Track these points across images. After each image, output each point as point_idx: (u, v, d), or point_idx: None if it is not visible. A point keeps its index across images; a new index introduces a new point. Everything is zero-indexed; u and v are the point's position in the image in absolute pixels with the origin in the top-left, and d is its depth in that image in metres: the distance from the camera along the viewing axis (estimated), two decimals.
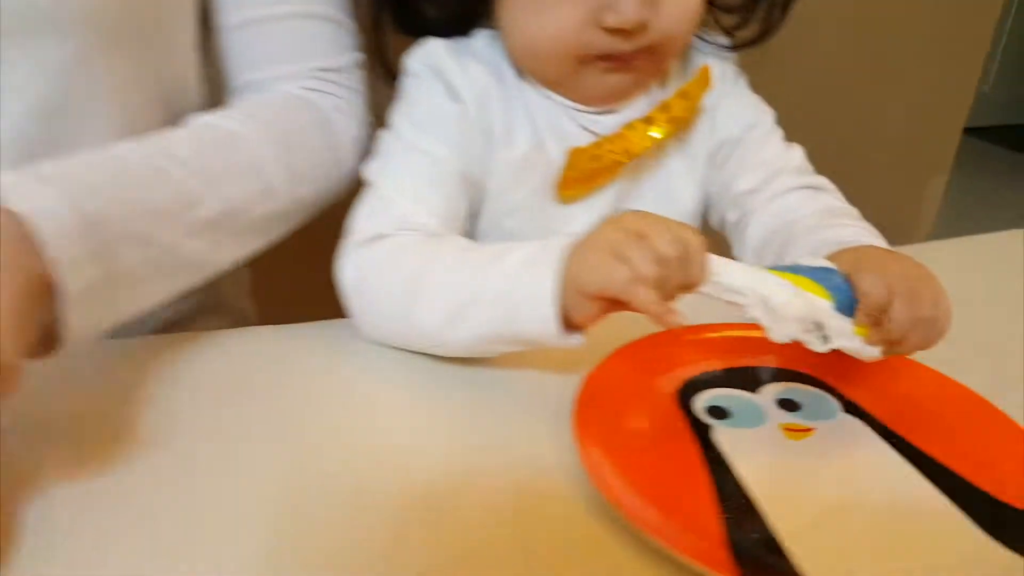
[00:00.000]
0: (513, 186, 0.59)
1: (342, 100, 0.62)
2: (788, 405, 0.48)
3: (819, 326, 0.42)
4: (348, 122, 0.62)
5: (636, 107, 0.60)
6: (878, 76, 1.38)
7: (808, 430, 0.46)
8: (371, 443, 0.44)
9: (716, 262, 0.42)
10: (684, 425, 0.46)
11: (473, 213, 0.60)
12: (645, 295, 0.40)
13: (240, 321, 0.73)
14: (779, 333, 0.42)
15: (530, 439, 0.45)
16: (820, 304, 0.42)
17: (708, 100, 0.62)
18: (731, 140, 0.63)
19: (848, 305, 0.43)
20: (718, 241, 0.65)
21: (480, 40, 0.59)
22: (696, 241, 0.41)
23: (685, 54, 0.64)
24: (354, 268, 0.52)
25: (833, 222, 0.57)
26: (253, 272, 0.76)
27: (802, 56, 1.22)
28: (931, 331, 0.45)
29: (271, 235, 0.58)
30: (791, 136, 0.65)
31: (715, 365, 0.51)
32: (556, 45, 0.54)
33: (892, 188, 1.54)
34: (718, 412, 0.47)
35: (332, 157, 0.61)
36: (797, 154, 0.64)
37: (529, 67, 0.58)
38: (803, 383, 0.50)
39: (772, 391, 0.49)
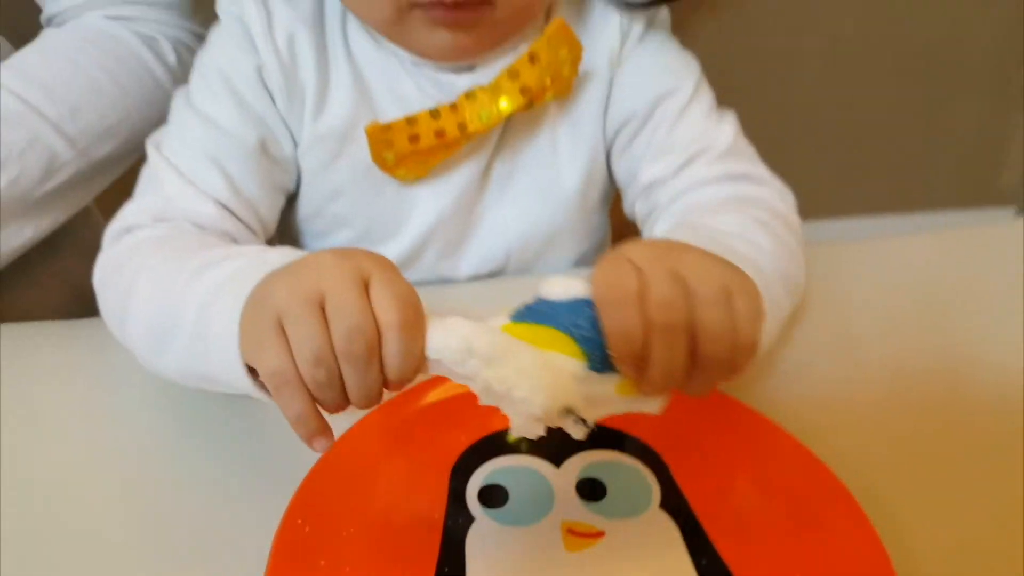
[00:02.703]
0: (331, 162, 0.48)
1: (152, 22, 0.55)
2: (591, 489, 0.37)
3: (569, 411, 0.31)
4: (161, 49, 0.55)
5: (500, 64, 0.47)
6: None
7: (596, 535, 0.35)
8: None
9: (436, 331, 0.30)
10: (434, 525, 0.35)
11: (291, 196, 0.50)
12: (291, 399, 0.29)
13: None
14: (525, 431, 0.31)
15: None
16: (566, 371, 0.30)
17: (597, 64, 0.49)
18: (636, 116, 0.49)
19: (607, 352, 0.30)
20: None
21: None
22: (404, 315, 0.29)
23: (580, 3, 0.50)
24: (99, 268, 0.43)
25: (720, 209, 0.44)
26: None
27: None
28: (721, 366, 0.30)
29: (68, 207, 0.54)
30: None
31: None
32: None
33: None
34: (496, 495, 0.37)
35: (139, 97, 0.54)
36: (726, 131, 0.49)
37: (351, 7, 0.46)
38: (626, 452, 0.39)
39: (578, 465, 0.38)
